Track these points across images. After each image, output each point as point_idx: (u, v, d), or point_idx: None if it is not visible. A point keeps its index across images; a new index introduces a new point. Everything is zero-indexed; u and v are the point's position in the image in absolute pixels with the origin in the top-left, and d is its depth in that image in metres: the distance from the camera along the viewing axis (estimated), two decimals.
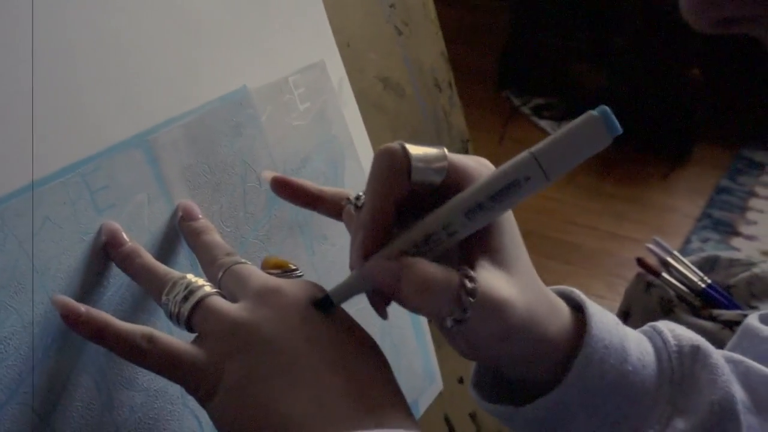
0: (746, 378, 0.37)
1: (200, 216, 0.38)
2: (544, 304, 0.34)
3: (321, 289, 0.35)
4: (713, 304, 0.79)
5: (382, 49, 0.55)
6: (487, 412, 0.37)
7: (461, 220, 0.31)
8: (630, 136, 2.12)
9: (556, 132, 0.29)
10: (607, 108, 0.28)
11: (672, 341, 0.36)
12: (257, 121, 0.43)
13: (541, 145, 0.29)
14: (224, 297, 0.34)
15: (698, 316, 0.78)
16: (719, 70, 1.98)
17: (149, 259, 0.35)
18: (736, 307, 0.79)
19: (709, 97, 2.03)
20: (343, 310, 0.34)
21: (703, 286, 0.81)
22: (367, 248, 0.32)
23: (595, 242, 1.82)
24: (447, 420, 0.58)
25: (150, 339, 0.31)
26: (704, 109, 2.06)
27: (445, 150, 0.32)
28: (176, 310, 0.33)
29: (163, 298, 0.33)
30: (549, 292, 0.35)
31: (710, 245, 1.75)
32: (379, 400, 0.30)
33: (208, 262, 0.36)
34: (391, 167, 0.31)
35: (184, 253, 0.39)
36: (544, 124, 2.26)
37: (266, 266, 0.36)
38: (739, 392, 0.36)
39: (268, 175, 0.40)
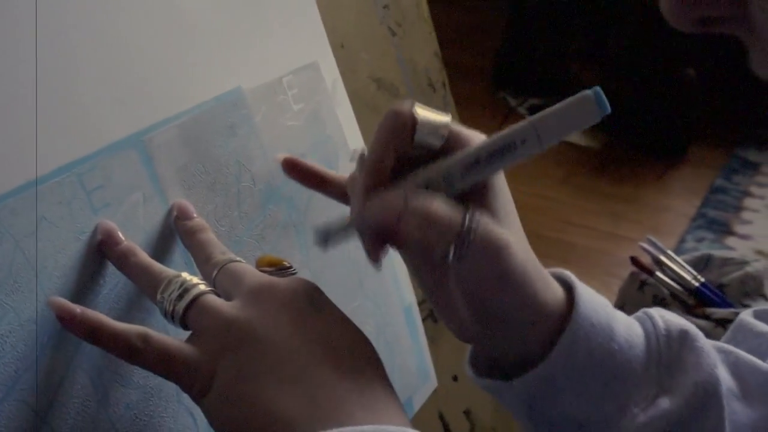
0: (736, 367, 0.37)
1: (195, 215, 0.39)
2: (536, 268, 0.35)
3: (314, 286, 0.35)
4: (706, 302, 0.80)
5: (375, 49, 0.55)
6: (481, 388, 0.38)
7: (461, 172, 0.33)
8: (625, 136, 2.13)
9: (552, 106, 0.32)
10: (599, 89, 0.32)
11: (662, 325, 0.37)
12: (251, 122, 0.44)
13: (539, 114, 0.32)
14: (218, 295, 0.34)
15: (691, 314, 0.78)
16: (714, 71, 1.99)
17: (145, 257, 0.35)
18: (729, 305, 0.79)
19: (704, 97, 2.04)
20: (336, 307, 0.35)
21: (697, 284, 0.81)
22: (368, 186, 0.33)
23: (590, 241, 1.83)
24: (441, 417, 0.58)
25: (144, 338, 0.32)
26: (699, 109, 2.07)
27: (449, 118, 0.35)
28: (171, 308, 0.33)
29: (158, 296, 0.34)
30: (540, 265, 0.36)
31: (705, 244, 1.76)
32: (371, 396, 0.31)
33: (203, 260, 0.36)
34: (397, 126, 0.33)
35: (179, 251, 0.39)
36: None
37: (260, 264, 0.36)
38: (725, 377, 0.37)
39: (280, 156, 0.41)
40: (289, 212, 0.46)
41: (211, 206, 0.41)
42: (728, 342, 0.40)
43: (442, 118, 0.34)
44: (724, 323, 0.76)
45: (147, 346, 0.32)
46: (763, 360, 0.38)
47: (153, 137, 0.38)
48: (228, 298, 0.34)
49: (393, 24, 0.57)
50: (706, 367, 0.36)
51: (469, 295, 0.34)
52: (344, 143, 0.50)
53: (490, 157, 0.33)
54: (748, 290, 0.81)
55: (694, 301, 0.80)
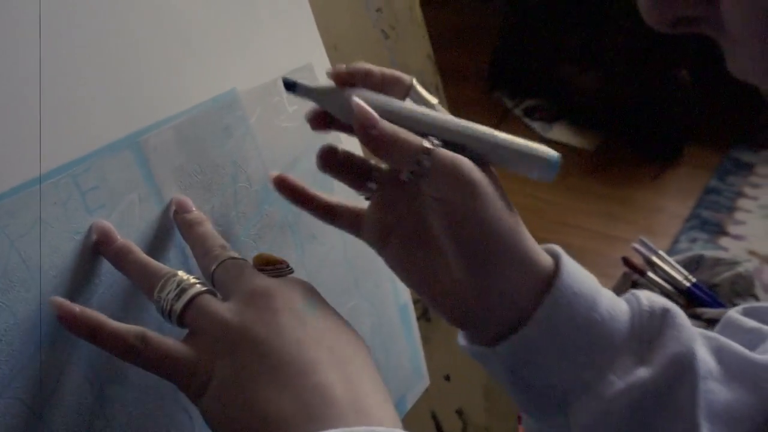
0: (719, 352, 0.38)
1: (193, 208, 0.39)
2: (521, 225, 0.37)
3: (310, 287, 0.36)
4: (697, 302, 0.80)
5: (369, 52, 0.56)
6: (470, 356, 0.39)
7: (436, 136, 0.37)
8: (620, 138, 2.13)
9: (524, 141, 0.36)
10: (558, 158, 0.36)
11: (645, 303, 0.38)
12: (246, 123, 0.44)
13: (507, 139, 0.37)
14: (215, 293, 0.34)
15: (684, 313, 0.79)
16: (708, 73, 2.00)
17: (141, 255, 0.36)
18: (719, 305, 0.80)
19: (699, 99, 2.05)
20: (332, 310, 0.35)
21: (688, 284, 0.82)
22: (348, 76, 0.39)
23: (585, 242, 1.84)
24: (434, 416, 0.59)
25: (143, 338, 0.32)
26: (694, 111, 2.08)
27: (437, 101, 0.40)
28: (168, 307, 0.33)
29: (155, 294, 0.34)
30: (529, 236, 0.38)
31: (698, 245, 1.77)
32: (364, 399, 0.31)
33: (202, 253, 0.37)
34: (396, 76, 0.39)
35: (175, 251, 0.39)
36: (535, 125, 2.27)
37: (257, 263, 0.36)
38: (706, 359, 0.38)
39: (272, 174, 0.43)
40: (284, 212, 0.46)
41: (208, 207, 0.41)
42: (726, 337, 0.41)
43: (431, 98, 0.40)
44: (714, 323, 0.76)
45: (146, 346, 0.32)
46: (750, 350, 0.39)
47: (148, 138, 0.39)
48: (225, 296, 0.34)
49: (386, 27, 0.58)
50: (684, 341, 0.37)
51: (454, 234, 0.36)
52: (339, 144, 0.50)
53: (465, 139, 0.37)
54: (739, 290, 0.82)
55: (685, 301, 0.81)
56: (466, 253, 0.36)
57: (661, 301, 0.38)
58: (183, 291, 0.33)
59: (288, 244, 0.46)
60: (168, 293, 0.34)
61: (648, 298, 0.39)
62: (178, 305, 0.33)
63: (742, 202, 1.95)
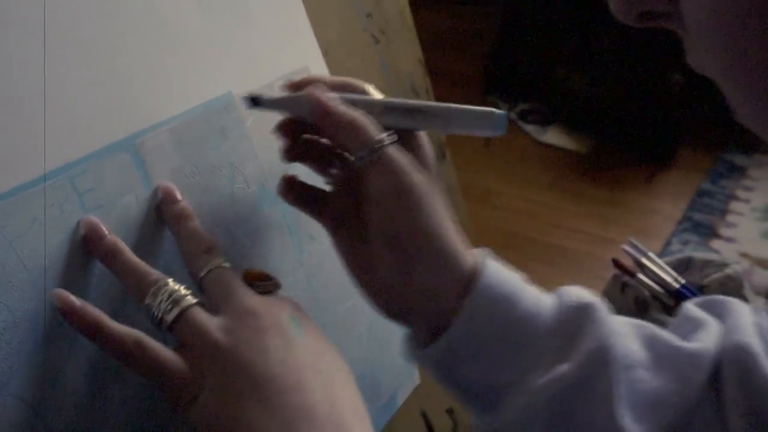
0: (651, 341, 0.40)
1: (180, 198, 0.39)
2: (452, 226, 0.38)
3: (296, 307, 0.37)
4: None
5: (359, 57, 0.56)
6: (405, 359, 0.41)
7: (382, 109, 0.40)
8: (614, 141, 2.14)
9: (465, 105, 0.39)
10: (505, 114, 0.38)
11: (569, 301, 0.39)
12: (243, 125, 0.45)
13: (455, 105, 0.39)
14: (203, 304, 0.36)
15: (672, 315, 0.80)
16: (701, 76, 2.01)
17: (131, 256, 0.36)
18: None
19: (692, 102, 2.06)
20: (316, 328, 0.37)
21: (677, 286, 0.82)
22: (302, 84, 0.41)
23: (578, 245, 1.85)
24: (424, 416, 0.59)
25: (140, 345, 0.34)
26: (687, 114, 2.09)
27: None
28: (159, 316, 0.35)
29: (146, 300, 0.35)
30: (460, 237, 0.39)
31: (690, 247, 1.78)
32: (344, 416, 0.34)
33: (189, 254, 0.38)
34: (348, 85, 0.41)
35: (171, 253, 0.40)
36: (529, 129, 2.29)
37: (247, 278, 0.38)
38: (635, 349, 0.39)
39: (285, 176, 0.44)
40: (282, 213, 0.47)
41: (206, 208, 0.42)
42: (674, 327, 0.42)
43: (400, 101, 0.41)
44: None
45: (142, 353, 0.33)
46: (685, 338, 0.41)
47: (145, 141, 0.39)
48: (214, 307, 0.35)
49: (376, 32, 0.59)
50: (600, 336, 0.38)
51: (384, 228, 0.37)
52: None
53: (405, 111, 0.39)
54: (728, 291, 0.83)
55: (674, 302, 0.82)
56: (392, 249, 0.38)
57: (586, 297, 0.40)
58: (175, 302, 0.35)
59: (286, 245, 0.47)
60: (159, 303, 0.35)
61: (574, 294, 0.40)
62: (170, 316, 0.34)
63: (734, 205, 1.97)
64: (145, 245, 0.39)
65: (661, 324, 0.42)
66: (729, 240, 1.84)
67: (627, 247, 0.87)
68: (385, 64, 0.59)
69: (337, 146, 0.42)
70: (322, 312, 0.49)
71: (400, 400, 0.56)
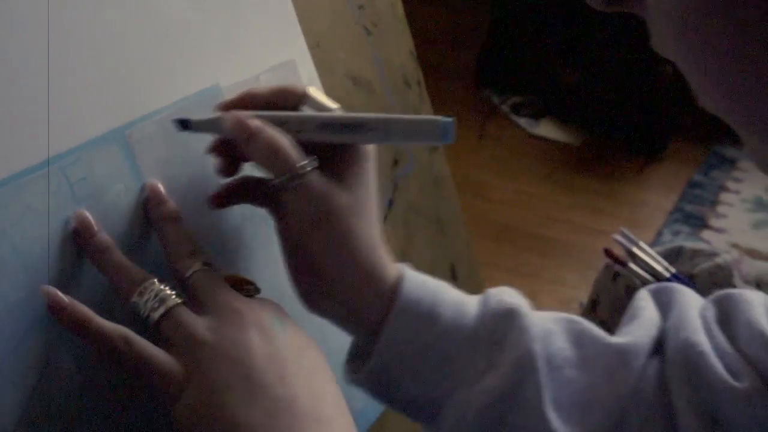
0: (579, 337, 0.40)
1: (166, 199, 0.40)
2: (376, 245, 0.39)
3: (278, 307, 0.38)
4: None
5: (351, 48, 0.57)
6: (345, 380, 0.41)
7: (316, 126, 0.39)
8: (605, 133, 2.15)
9: (407, 115, 0.37)
10: (452, 121, 0.35)
11: (493, 306, 0.40)
12: None
13: (395, 116, 0.38)
14: (187, 303, 0.36)
15: None
16: None
17: (118, 255, 0.37)
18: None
19: (683, 95, 2.07)
20: (298, 326, 0.38)
21: (668, 275, 0.83)
22: (234, 102, 0.40)
23: (571, 236, 1.86)
24: None
25: (127, 341, 0.34)
26: (678, 106, 2.11)
27: (338, 106, 0.41)
28: (146, 314, 0.35)
29: (133, 299, 0.35)
30: (384, 255, 0.40)
31: (681, 238, 1.80)
32: (327, 411, 0.35)
33: (174, 255, 0.38)
34: (286, 91, 0.41)
35: (157, 238, 0.40)
36: (522, 121, 2.29)
37: (229, 282, 0.38)
38: (564, 347, 0.39)
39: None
40: None
41: (191, 198, 0.42)
42: (627, 322, 0.43)
43: (331, 103, 0.40)
44: None
45: (129, 349, 0.34)
46: (622, 328, 0.41)
47: (134, 132, 0.40)
48: (198, 307, 0.36)
49: (368, 24, 0.59)
50: (523, 344, 0.39)
51: (301, 248, 0.38)
52: None
53: (342, 126, 0.38)
54: (717, 281, 0.84)
55: None
56: (309, 270, 0.39)
57: (507, 301, 0.40)
58: (162, 301, 0.35)
59: (272, 235, 0.47)
60: (146, 301, 0.35)
61: (497, 298, 0.41)
62: (156, 315, 0.35)
63: (725, 196, 1.98)
64: (133, 234, 0.39)
65: None
66: (719, 231, 1.85)
67: (618, 237, 0.87)
68: (377, 56, 0.59)
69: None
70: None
71: None
